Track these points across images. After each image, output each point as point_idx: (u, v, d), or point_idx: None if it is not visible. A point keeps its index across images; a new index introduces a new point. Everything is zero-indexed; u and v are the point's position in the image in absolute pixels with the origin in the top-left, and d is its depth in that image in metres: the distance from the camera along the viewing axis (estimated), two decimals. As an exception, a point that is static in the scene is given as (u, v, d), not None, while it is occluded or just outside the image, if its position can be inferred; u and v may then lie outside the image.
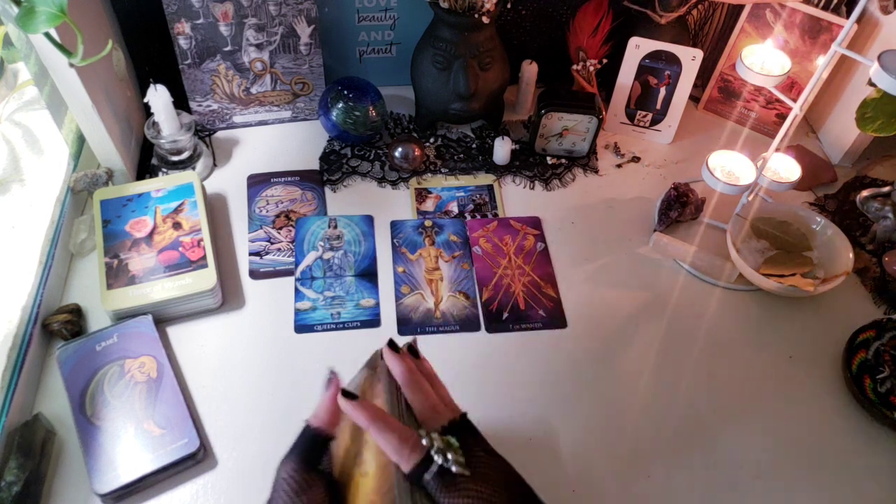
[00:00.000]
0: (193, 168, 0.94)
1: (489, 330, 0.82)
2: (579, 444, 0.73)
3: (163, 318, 0.79)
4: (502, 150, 0.99)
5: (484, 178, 0.99)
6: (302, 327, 0.81)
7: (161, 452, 0.66)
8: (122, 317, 0.77)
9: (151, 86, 0.86)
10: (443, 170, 1.00)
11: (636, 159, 1.04)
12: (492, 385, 0.77)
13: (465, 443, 0.47)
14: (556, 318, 0.83)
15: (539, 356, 0.80)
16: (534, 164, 1.01)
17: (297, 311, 0.82)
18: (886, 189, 0.93)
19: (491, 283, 0.86)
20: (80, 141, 0.91)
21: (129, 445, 0.66)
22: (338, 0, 0.99)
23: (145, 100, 0.87)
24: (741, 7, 1.00)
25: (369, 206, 0.94)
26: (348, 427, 0.51)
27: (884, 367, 0.76)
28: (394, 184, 0.97)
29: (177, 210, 0.85)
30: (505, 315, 0.83)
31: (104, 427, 0.68)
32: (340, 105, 0.95)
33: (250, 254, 0.87)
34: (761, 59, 0.83)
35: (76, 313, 0.78)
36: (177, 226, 0.83)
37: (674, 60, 0.98)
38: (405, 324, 0.82)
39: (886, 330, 0.79)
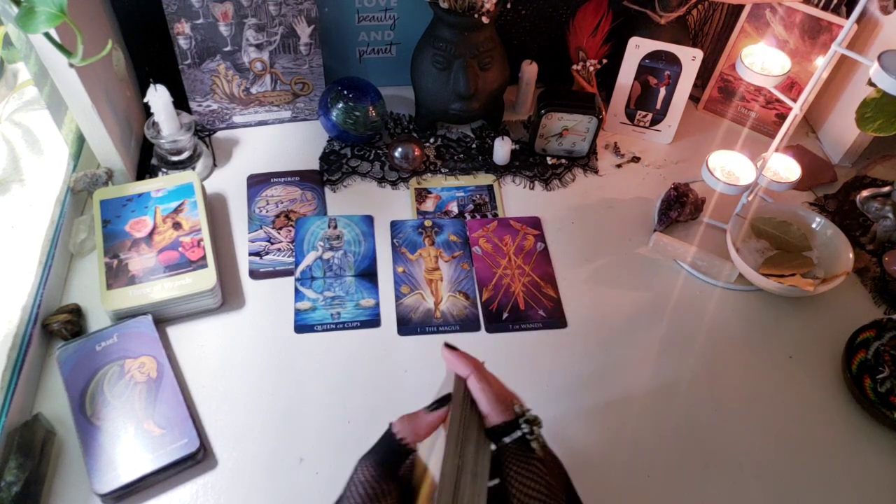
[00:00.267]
0: (193, 168, 0.94)
1: (489, 330, 0.82)
2: (579, 443, 0.73)
3: (163, 318, 0.79)
4: (502, 150, 0.99)
5: (484, 178, 0.99)
6: (302, 327, 0.81)
7: (161, 452, 0.66)
8: (122, 317, 0.77)
9: (151, 86, 0.86)
10: (443, 170, 1.00)
11: (636, 159, 1.04)
12: (492, 385, 0.77)
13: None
14: (556, 318, 0.83)
15: (539, 356, 0.80)
16: (534, 164, 1.01)
17: (297, 311, 0.82)
18: (886, 189, 0.93)
19: (491, 283, 0.86)
20: (80, 141, 0.91)
21: (129, 445, 0.66)
22: (338, 0, 0.99)
23: (145, 100, 0.87)
24: (741, 7, 1.00)
25: (369, 206, 0.94)
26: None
27: (884, 367, 0.76)
28: (394, 184, 0.97)
29: (177, 210, 0.85)
30: (505, 315, 0.83)
31: (104, 427, 0.68)
32: (340, 105, 0.95)
33: (250, 254, 0.87)
34: (761, 59, 0.83)
35: (76, 313, 0.78)
36: (177, 226, 0.83)
37: (674, 60, 0.98)
38: (405, 324, 0.82)
39: (886, 330, 0.79)
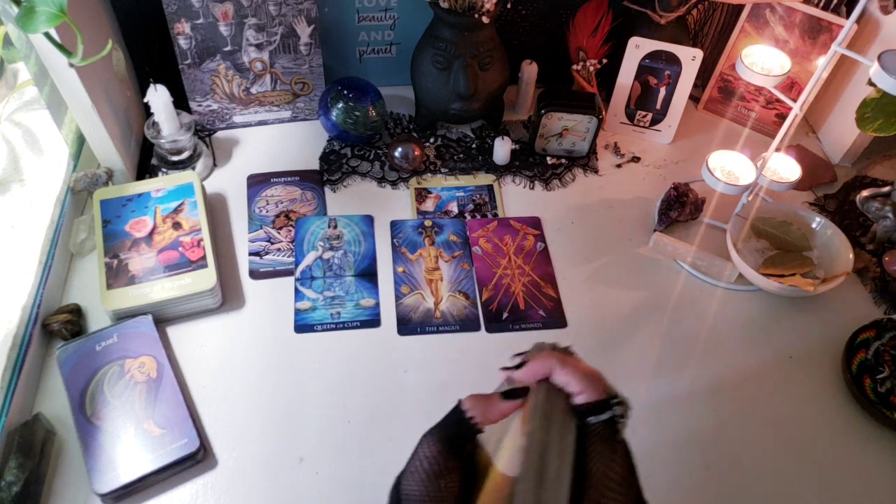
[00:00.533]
0: (193, 168, 0.94)
1: (489, 330, 0.82)
2: (579, 444, 0.73)
3: (163, 318, 0.79)
4: (502, 150, 0.99)
5: (484, 178, 0.99)
6: (302, 327, 0.81)
7: (161, 452, 0.66)
8: (121, 317, 0.77)
9: (151, 86, 0.86)
10: (443, 170, 1.00)
11: (636, 159, 1.04)
12: (492, 385, 0.77)
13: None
14: (556, 318, 0.83)
15: (539, 356, 0.80)
16: (534, 164, 1.01)
17: (297, 311, 0.82)
18: (886, 189, 0.93)
19: (491, 283, 0.86)
20: (80, 141, 0.91)
21: (129, 445, 0.66)
22: (338, 0, 0.99)
23: (145, 100, 0.87)
24: (741, 7, 1.00)
25: (369, 206, 0.94)
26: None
27: (884, 367, 0.76)
28: (394, 184, 0.97)
29: (177, 210, 0.85)
30: (505, 315, 0.83)
31: (104, 427, 0.68)
32: (340, 105, 0.95)
33: (250, 254, 0.87)
34: (761, 59, 0.83)
35: (76, 313, 0.78)
36: (177, 226, 0.83)
37: (674, 60, 0.98)
38: (405, 324, 0.82)
39: (886, 330, 0.79)
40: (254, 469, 0.69)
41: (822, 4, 0.96)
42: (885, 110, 0.76)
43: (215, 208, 0.92)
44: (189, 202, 0.86)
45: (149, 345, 0.74)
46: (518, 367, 0.50)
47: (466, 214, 0.94)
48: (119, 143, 0.88)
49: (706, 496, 0.69)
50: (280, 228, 0.90)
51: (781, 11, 0.98)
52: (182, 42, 0.93)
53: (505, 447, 0.48)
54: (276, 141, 1.02)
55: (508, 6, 1.01)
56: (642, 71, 1.00)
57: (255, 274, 0.85)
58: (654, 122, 1.05)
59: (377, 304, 0.83)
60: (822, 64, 0.77)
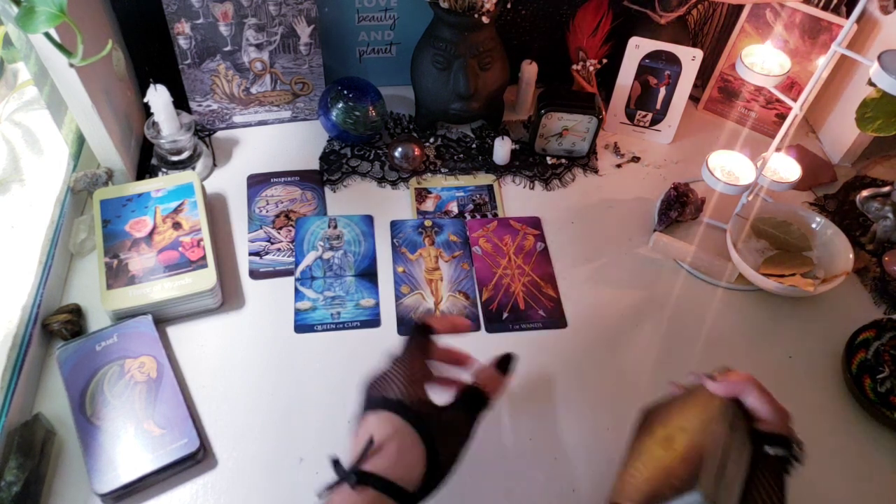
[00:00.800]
0: (193, 168, 0.94)
1: (489, 330, 0.82)
2: (579, 443, 0.73)
3: (163, 318, 0.79)
4: (502, 150, 0.99)
5: (484, 178, 0.99)
6: (302, 327, 0.81)
7: (161, 452, 0.66)
8: (121, 317, 0.77)
9: (151, 86, 0.86)
10: (443, 170, 1.00)
11: (636, 159, 1.04)
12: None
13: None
14: (556, 318, 0.83)
15: (539, 356, 0.80)
16: (534, 164, 1.01)
17: (297, 311, 0.82)
18: (886, 189, 0.93)
19: (491, 283, 0.86)
20: (80, 141, 0.91)
21: (129, 445, 0.66)
22: (338, 0, 0.99)
23: (145, 100, 0.87)
24: (741, 7, 1.00)
25: (369, 206, 0.94)
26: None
27: (884, 367, 0.76)
28: (394, 184, 0.97)
29: (177, 210, 0.85)
30: (505, 315, 0.83)
31: (104, 427, 0.68)
32: (340, 105, 0.95)
33: (250, 254, 0.87)
34: (761, 59, 0.83)
35: (76, 313, 0.78)
36: (177, 226, 0.83)
37: (674, 60, 0.98)
38: (405, 324, 0.82)
39: (886, 330, 0.79)
40: (254, 469, 0.69)
41: (821, 4, 0.96)
42: (885, 110, 0.76)
43: (215, 208, 0.92)
44: (189, 202, 0.86)
45: (149, 345, 0.74)
46: (711, 377, 0.56)
47: (466, 214, 0.94)
48: (119, 143, 0.88)
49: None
50: (280, 228, 0.90)
51: (781, 11, 0.98)
52: (182, 42, 0.93)
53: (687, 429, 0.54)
54: (276, 141, 1.02)
55: (508, 6, 1.01)
56: (642, 71, 1.00)
57: (255, 274, 0.86)
58: (654, 122, 1.05)
59: (377, 304, 0.83)
60: (822, 64, 0.77)
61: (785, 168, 0.87)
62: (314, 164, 0.99)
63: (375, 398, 0.56)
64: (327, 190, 0.96)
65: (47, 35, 0.66)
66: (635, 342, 0.82)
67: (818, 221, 0.89)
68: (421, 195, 0.96)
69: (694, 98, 1.11)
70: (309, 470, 0.69)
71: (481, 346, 0.80)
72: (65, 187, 0.86)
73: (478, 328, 0.82)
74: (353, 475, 0.50)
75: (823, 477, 0.71)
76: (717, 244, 0.92)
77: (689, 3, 0.97)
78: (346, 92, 0.95)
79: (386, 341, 0.80)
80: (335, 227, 0.91)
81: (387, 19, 1.03)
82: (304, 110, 1.04)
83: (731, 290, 0.88)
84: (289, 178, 0.97)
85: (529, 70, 1.05)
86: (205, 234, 0.83)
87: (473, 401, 0.58)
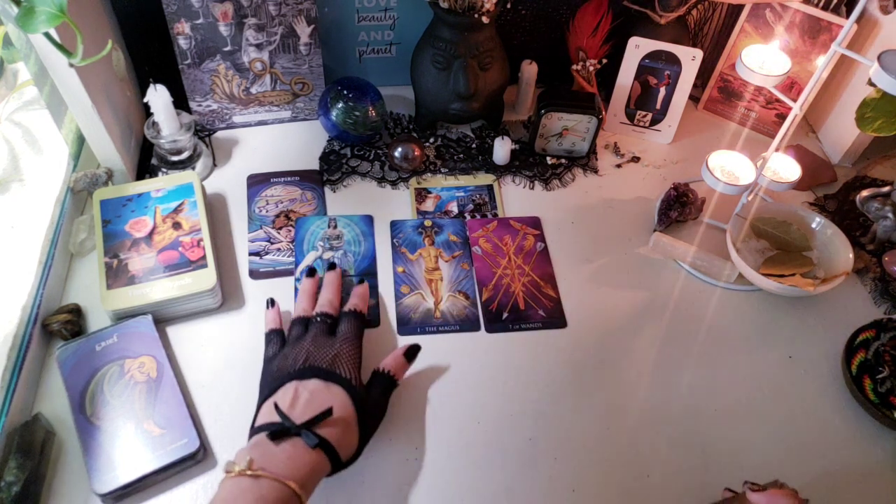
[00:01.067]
0: (193, 168, 0.94)
1: (489, 330, 0.82)
2: (579, 443, 0.73)
3: (163, 318, 0.79)
4: (502, 150, 0.99)
5: (484, 178, 0.99)
6: (302, 327, 0.81)
7: (161, 452, 0.66)
8: (121, 317, 0.77)
9: (151, 86, 0.86)
10: (443, 170, 1.00)
11: (636, 159, 1.04)
12: (492, 385, 0.77)
13: None
14: (556, 318, 0.83)
15: (539, 356, 0.80)
16: (534, 164, 1.01)
17: (297, 312, 0.82)
18: (886, 189, 0.93)
19: (491, 283, 0.86)
20: (80, 141, 0.91)
21: (129, 445, 0.66)
22: (338, 0, 0.99)
23: (145, 100, 0.87)
24: (741, 7, 1.00)
25: (369, 206, 0.94)
26: None
27: (884, 367, 0.76)
28: (394, 184, 0.97)
29: (177, 210, 0.85)
30: (505, 315, 0.83)
31: (104, 427, 0.68)
32: (340, 105, 0.95)
33: (250, 254, 0.87)
34: (761, 59, 0.83)
35: (76, 313, 0.78)
36: (176, 226, 0.83)
37: (674, 60, 0.98)
38: (405, 324, 0.82)
39: (886, 330, 0.79)
40: (254, 469, 0.69)
41: (821, 4, 0.96)
42: (885, 110, 0.76)
43: (215, 208, 0.92)
44: (189, 202, 0.86)
45: (149, 345, 0.74)
46: (757, 489, 0.61)
47: (466, 214, 0.94)
48: (119, 143, 0.88)
49: (706, 496, 0.69)
50: (280, 228, 0.90)
51: (781, 11, 0.98)
52: (182, 42, 0.93)
53: None
54: (276, 141, 1.02)
55: (508, 6, 1.01)
56: (642, 71, 1.00)
57: (254, 274, 0.85)
58: (654, 122, 1.05)
59: (377, 305, 0.83)
60: (822, 64, 0.77)
61: (785, 168, 0.87)
62: (314, 164, 0.99)
63: (328, 371, 0.67)
64: (327, 190, 0.96)
65: (47, 35, 0.66)
66: (635, 342, 0.82)
67: (818, 221, 0.89)
68: (421, 195, 0.96)
69: (694, 98, 1.11)
70: (309, 470, 0.69)
71: (481, 346, 0.81)
72: (65, 187, 0.86)
73: (478, 328, 0.82)
74: (313, 436, 0.59)
75: (823, 477, 0.72)
76: (717, 244, 0.92)
77: (689, 3, 0.97)
78: (345, 92, 0.95)
79: (385, 341, 0.80)
80: (335, 226, 0.91)
81: (387, 19, 1.03)
82: (304, 110, 1.04)
83: (731, 290, 0.88)
84: (289, 178, 0.97)
85: (529, 70, 1.05)
86: (205, 234, 0.83)
87: (386, 383, 0.71)
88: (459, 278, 0.87)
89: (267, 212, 0.92)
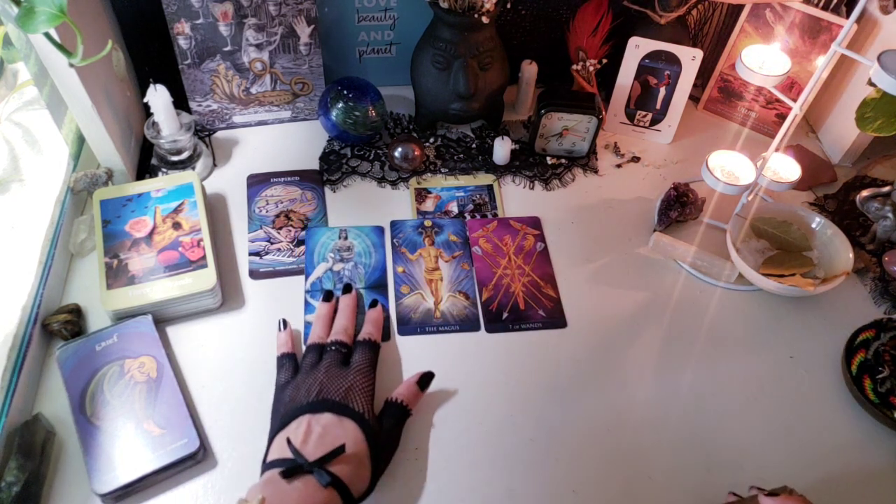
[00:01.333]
0: (193, 168, 0.94)
1: (489, 330, 0.82)
2: (580, 444, 0.73)
3: (163, 318, 0.79)
4: (502, 150, 0.99)
5: (484, 178, 0.99)
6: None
7: (161, 452, 0.66)
8: (121, 317, 0.77)
9: (151, 86, 0.86)
10: (443, 170, 1.00)
11: (636, 159, 1.04)
12: (492, 385, 0.77)
13: None
14: (556, 318, 0.83)
15: (539, 356, 0.80)
16: (534, 164, 1.01)
17: (308, 324, 0.80)
18: (886, 189, 0.93)
19: (491, 283, 0.86)
20: (80, 141, 0.91)
21: (129, 445, 0.66)
22: (338, 0, 0.99)
23: (145, 100, 0.87)
24: (741, 7, 1.00)
25: (369, 206, 0.94)
26: None
27: (884, 367, 0.76)
28: (394, 184, 0.97)
29: (177, 210, 0.85)
30: (505, 315, 0.83)
31: (104, 427, 0.68)
32: (340, 105, 0.95)
33: (250, 254, 0.87)
34: (761, 60, 0.83)
35: (76, 313, 0.78)
36: (177, 226, 0.83)
37: (674, 60, 0.98)
38: (405, 324, 0.82)
39: (886, 330, 0.79)
40: (254, 469, 0.69)
41: (821, 4, 0.96)
42: (885, 110, 0.76)
43: (215, 208, 0.92)
44: (189, 202, 0.86)
45: (149, 345, 0.74)
46: (769, 494, 0.61)
47: (466, 214, 0.94)
48: (119, 143, 0.88)
49: (706, 496, 0.69)
50: (280, 228, 0.90)
51: (781, 11, 0.98)
52: (182, 42, 0.93)
53: None
54: (276, 141, 1.02)
55: (508, 6, 1.01)
56: (642, 71, 1.00)
57: (255, 274, 0.85)
58: (654, 122, 1.05)
59: (387, 318, 0.82)
60: (822, 64, 0.77)
61: (785, 168, 0.87)
62: (314, 164, 0.99)
63: (341, 405, 0.65)
64: (327, 190, 0.96)
65: (47, 35, 0.66)
66: (635, 342, 0.82)
67: (818, 221, 0.89)
68: (421, 195, 0.96)
69: (694, 98, 1.11)
70: (309, 470, 0.69)
71: (481, 347, 0.81)
72: (65, 187, 0.86)
73: (478, 328, 0.82)
74: (325, 475, 0.58)
75: (824, 477, 0.72)
76: (717, 244, 0.92)
77: (689, 3, 0.97)
78: (345, 92, 0.95)
79: (388, 346, 0.80)
80: (345, 237, 0.90)
81: (387, 19, 1.03)
82: (304, 110, 1.04)
83: (732, 290, 0.88)
84: (289, 178, 0.97)
85: (529, 70, 1.05)
86: (205, 234, 0.83)
87: (399, 413, 0.70)
88: (459, 278, 0.87)
89: (267, 212, 0.92)
